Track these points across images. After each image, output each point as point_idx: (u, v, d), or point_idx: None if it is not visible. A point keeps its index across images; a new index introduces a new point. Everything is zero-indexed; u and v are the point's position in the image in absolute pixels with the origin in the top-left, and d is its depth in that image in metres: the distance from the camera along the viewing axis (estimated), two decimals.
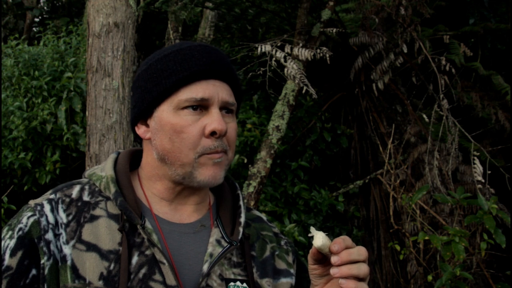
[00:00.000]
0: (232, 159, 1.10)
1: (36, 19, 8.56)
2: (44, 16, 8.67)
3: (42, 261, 0.97)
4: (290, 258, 1.18)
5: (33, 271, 0.97)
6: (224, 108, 1.06)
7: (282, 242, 1.20)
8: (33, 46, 5.11)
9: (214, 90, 1.04)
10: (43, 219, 1.00)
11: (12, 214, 3.93)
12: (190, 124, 1.02)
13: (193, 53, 1.05)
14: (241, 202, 1.15)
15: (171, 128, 1.03)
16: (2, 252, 0.97)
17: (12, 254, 0.97)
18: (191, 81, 1.03)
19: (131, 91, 1.13)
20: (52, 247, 0.98)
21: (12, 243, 0.98)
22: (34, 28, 8.34)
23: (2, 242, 0.98)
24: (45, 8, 8.86)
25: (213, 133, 1.03)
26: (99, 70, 3.09)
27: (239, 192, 1.17)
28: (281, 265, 1.16)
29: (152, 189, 1.10)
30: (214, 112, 1.03)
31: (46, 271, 0.96)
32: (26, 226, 0.99)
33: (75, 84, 4.34)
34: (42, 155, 4.40)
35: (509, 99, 4.44)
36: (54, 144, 4.38)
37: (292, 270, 1.17)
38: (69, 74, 4.42)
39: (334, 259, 0.93)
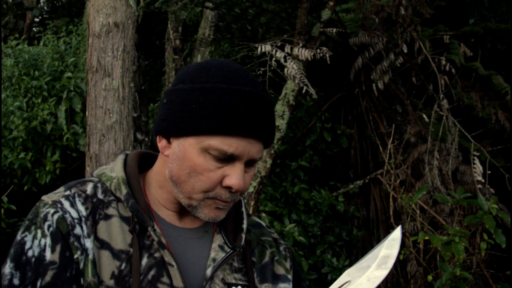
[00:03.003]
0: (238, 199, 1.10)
1: (36, 19, 8.56)
2: (44, 16, 8.67)
3: (75, 256, 0.97)
4: (288, 264, 1.21)
5: (75, 265, 0.97)
6: (249, 162, 1.05)
7: (281, 248, 1.22)
8: (33, 46, 5.11)
9: (246, 147, 1.00)
10: (67, 216, 1.00)
11: (12, 214, 3.93)
12: (212, 170, 1.01)
13: (239, 103, 0.98)
14: (243, 209, 1.16)
15: (193, 166, 1.01)
16: (41, 250, 0.97)
17: (53, 250, 0.97)
18: (227, 134, 0.99)
19: (163, 98, 1.05)
20: (82, 240, 0.99)
21: (48, 240, 0.97)
22: (34, 28, 8.34)
23: (35, 241, 0.98)
24: (45, 8, 8.87)
25: (229, 187, 1.02)
26: (99, 70, 3.09)
27: (241, 198, 1.18)
28: (280, 270, 1.18)
29: (157, 196, 1.10)
30: (238, 167, 1.01)
31: (81, 265, 0.97)
32: (53, 222, 0.98)
33: (75, 84, 4.34)
34: (42, 155, 4.40)
35: (509, 99, 4.44)
36: (54, 144, 4.38)
37: (289, 276, 1.19)
38: (69, 74, 4.42)
39: None
